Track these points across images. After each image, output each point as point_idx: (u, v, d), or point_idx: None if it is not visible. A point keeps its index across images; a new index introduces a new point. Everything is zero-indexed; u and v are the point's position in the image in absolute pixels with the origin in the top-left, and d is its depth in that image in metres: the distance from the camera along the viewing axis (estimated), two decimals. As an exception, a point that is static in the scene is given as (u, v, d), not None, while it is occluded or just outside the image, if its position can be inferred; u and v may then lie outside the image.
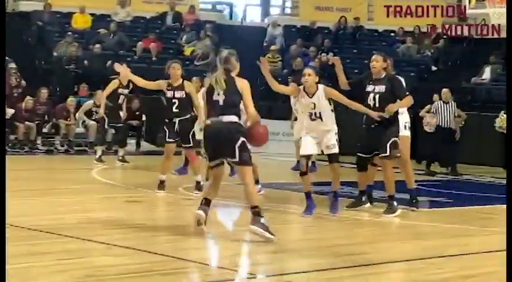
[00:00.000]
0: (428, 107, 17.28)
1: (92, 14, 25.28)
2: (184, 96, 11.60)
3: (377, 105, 10.07)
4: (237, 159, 8.00)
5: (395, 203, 10.17)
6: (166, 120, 11.73)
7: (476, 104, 21.41)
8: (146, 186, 12.12)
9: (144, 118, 20.04)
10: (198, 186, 11.53)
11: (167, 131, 11.67)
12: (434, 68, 24.23)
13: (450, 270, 7.02)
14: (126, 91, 15.85)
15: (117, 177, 14.33)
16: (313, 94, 9.87)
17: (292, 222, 9.59)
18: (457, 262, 7.43)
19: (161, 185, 11.62)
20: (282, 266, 6.97)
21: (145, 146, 20.18)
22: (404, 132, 10.65)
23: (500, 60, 23.02)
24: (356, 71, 23.52)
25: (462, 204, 12.05)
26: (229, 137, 8.00)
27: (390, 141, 9.98)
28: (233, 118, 8.06)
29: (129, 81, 15.52)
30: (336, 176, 10.12)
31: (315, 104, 9.86)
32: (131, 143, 19.82)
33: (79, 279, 5.97)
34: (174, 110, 11.62)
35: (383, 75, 10.15)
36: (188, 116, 11.75)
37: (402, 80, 10.74)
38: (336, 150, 9.94)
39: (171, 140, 11.71)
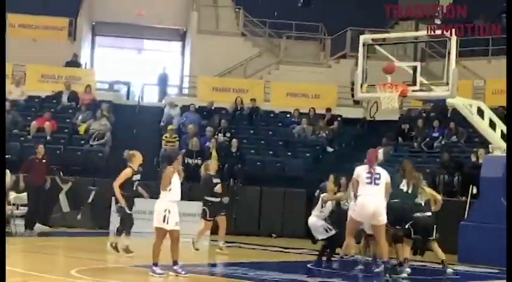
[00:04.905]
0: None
1: (-16, 93, 24.90)
2: None
3: None
4: None
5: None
6: None
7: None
8: (40, 270, 11.77)
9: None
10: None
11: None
12: (330, 149, 24.66)
13: None
14: None
15: (10, 261, 13.86)
16: None
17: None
18: None
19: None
20: None
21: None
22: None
23: (391, 141, 23.70)
24: (252, 151, 23.84)
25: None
26: None
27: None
28: None
29: None
30: None
31: None
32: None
33: None
34: None
35: None
36: None
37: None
38: None
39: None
